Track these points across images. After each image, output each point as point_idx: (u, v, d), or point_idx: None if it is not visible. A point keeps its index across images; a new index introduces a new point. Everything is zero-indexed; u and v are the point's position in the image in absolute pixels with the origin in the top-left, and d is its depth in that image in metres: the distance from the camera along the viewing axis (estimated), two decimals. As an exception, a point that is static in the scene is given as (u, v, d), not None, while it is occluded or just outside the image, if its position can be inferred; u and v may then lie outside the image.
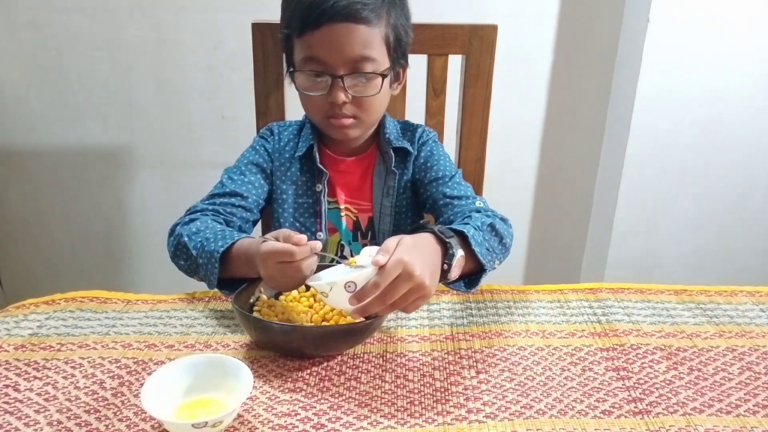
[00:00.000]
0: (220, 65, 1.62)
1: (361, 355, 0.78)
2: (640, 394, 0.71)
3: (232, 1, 1.55)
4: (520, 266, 1.92)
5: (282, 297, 0.86)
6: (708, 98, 1.59)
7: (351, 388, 0.71)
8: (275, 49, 1.12)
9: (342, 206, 1.05)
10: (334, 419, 0.66)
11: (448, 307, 0.89)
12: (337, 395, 0.70)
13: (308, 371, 0.75)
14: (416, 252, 0.71)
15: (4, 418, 0.66)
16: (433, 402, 0.69)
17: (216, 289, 0.86)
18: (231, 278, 0.85)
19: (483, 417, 0.67)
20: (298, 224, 1.03)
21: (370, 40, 0.91)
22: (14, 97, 1.65)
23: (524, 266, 1.92)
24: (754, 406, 0.70)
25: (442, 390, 0.71)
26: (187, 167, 1.69)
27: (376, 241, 1.05)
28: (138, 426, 0.65)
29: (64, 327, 0.83)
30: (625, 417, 0.67)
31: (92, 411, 0.67)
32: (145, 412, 0.65)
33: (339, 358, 0.77)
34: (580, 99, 1.72)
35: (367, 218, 1.05)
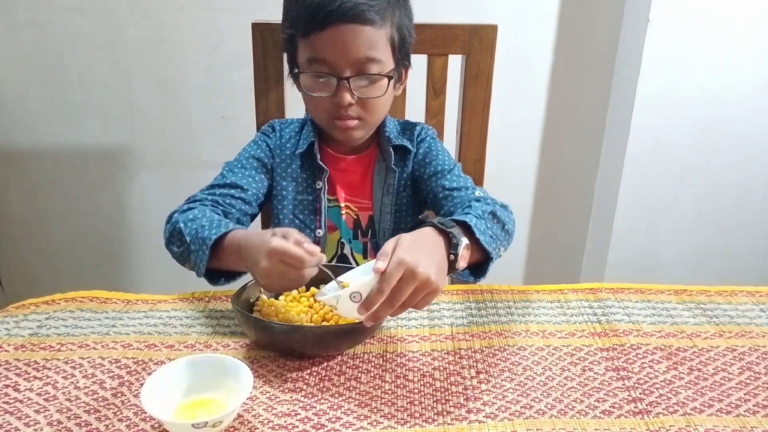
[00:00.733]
0: (220, 65, 1.62)
1: (361, 355, 0.78)
2: (640, 394, 0.71)
3: (232, 1, 1.55)
4: (520, 266, 1.92)
5: (282, 297, 0.86)
6: (708, 98, 1.59)
7: (351, 388, 0.71)
8: (275, 49, 1.12)
9: (342, 204, 1.05)
10: (334, 419, 0.66)
11: (448, 307, 0.89)
12: (337, 395, 0.70)
13: (308, 371, 0.75)
14: (416, 248, 0.69)
15: (4, 418, 0.66)
16: (433, 402, 0.69)
17: (203, 277, 0.86)
18: (218, 269, 0.85)
19: (483, 417, 0.67)
20: (297, 221, 1.03)
21: (376, 42, 0.91)
22: (14, 97, 1.65)
23: (524, 266, 1.92)
24: (754, 406, 0.70)
25: (442, 390, 0.71)
26: (187, 167, 1.69)
27: (377, 239, 1.05)
28: (138, 426, 0.65)
29: (64, 327, 0.83)
30: (625, 417, 0.67)
31: (92, 411, 0.67)
32: (145, 412, 0.65)
33: (339, 358, 0.77)
34: (580, 99, 1.72)
35: (367, 216, 1.05)
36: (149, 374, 0.69)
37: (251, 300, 0.85)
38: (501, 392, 0.71)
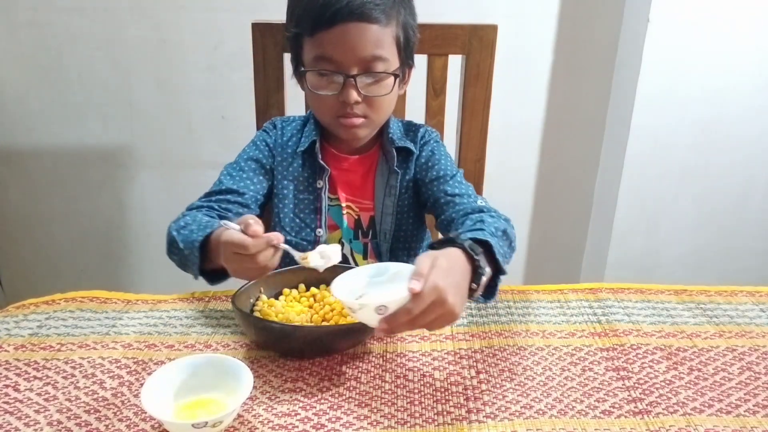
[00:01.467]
0: (220, 65, 1.62)
1: (361, 355, 0.78)
2: (640, 394, 0.71)
3: (232, 1, 1.55)
4: (520, 266, 1.92)
5: (282, 297, 0.86)
6: (708, 98, 1.59)
7: (351, 388, 0.72)
8: (275, 49, 1.12)
9: (344, 204, 1.05)
10: (334, 419, 0.66)
11: (448, 307, 0.89)
12: (337, 395, 0.70)
13: (308, 371, 0.75)
14: (450, 276, 0.68)
15: (4, 418, 0.66)
16: (433, 402, 0.69)
17: (201, 278, 0.86)
18: (215, 269, 0.84)
19: (483, 417, 0.67)
20: (298, 220, 1.03)
21: (382, 40, 0.91)
22: (14, 97, 1.65)
23: (524, 266, 1.92)
24: (754, 406, 0.70)
25: (442, 390, 0.71)
26: (187, 167, 1.69)
27: (377, 240, 1.05)
28: (138, 426, 0.65)
29: (64, 327, 0.83)
30: (625, 417, 0.67)
31: (92, 411, 0.67)
32: (145, 412, 0.65)
33: (339, 358, 0.77)
34: (580, 99, 1.72)
35: (368, 217, 1.05)
36: (149, 374, 0.69)
37: (251, 300, 0.85)
38: (501, 392, 0.71)
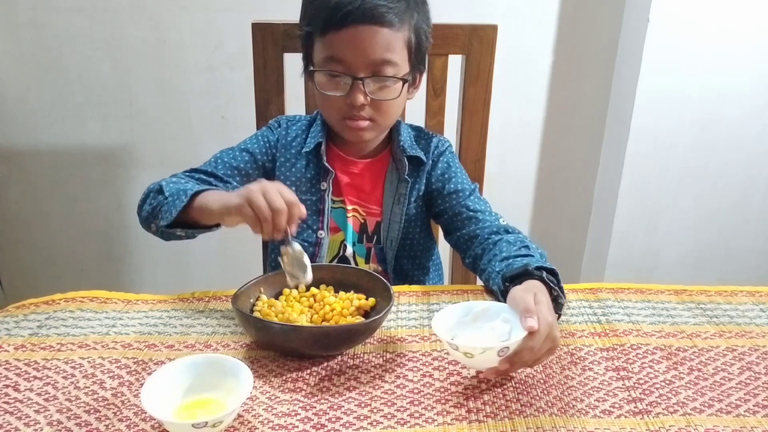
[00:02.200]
0: (220, 65, 1.62)
1: (361, 355, 0.78)
2: (640, 394, 0.71)
3: (232, 1, 1.55)
4: (520, 266, 1.92)
5: (282, 297, 0.86)
6: (708, 98, 1.59)
7: (351, 388, 0.72)
8: (275, 49, 1.12)
9: (350, 207, 1.04)
10: (334, 419, 0.66)
11: (448, 307, 0.89)
12: (337, 395, 0.70)
13: (308, 371, 0.75)
14: (551, 309, 0.73)
15: (4, 418, 0.66)
16: (433, 402, 0.69)
17: (161, 229, 0.89)
18: (182, 222, 0.87)
19: (483, 417, 0.67)
20: (299, 220, 1.03)
21: (393, 44, 0.91)
22: (14, 97, 1.65)
23: (524, 266, 1.92)
24: (754, 406, 0.70)
25: (442, 390, 0.71)
26: (187, 167, 1.69)
27: (382, 246, 1.05)
28: (138, 426, 0.65)
29: (64, 327, 0.83)
30: (625, 417, 0.67)
31: (92, 411, 0.67)
32: (145, 412, 0.65)
33: (339, 358, 0.77)
34: (580, 99, 1.72)
35: (375, 222, 1.05)
36: (149, 374, 0.69)
37: (251, 300, 0.85)
38: (501, 391, 0.71)
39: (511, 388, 0.72)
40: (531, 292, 0.74)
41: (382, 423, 0.66)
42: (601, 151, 1.75)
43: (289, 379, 0.73)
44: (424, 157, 1.03)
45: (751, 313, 0.90)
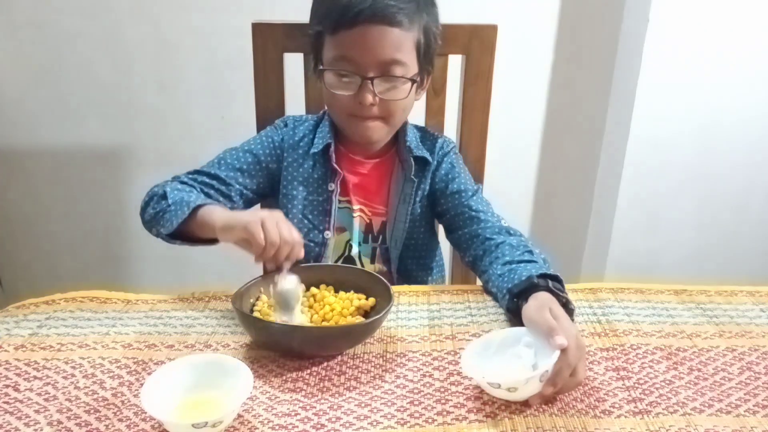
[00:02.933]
0: (220, 65, 1.62)
1: (361, 355, 0.78)
2: (640, 394, 0.71)
3: (232, 1, 1.55)
4: (520, 266, 1.92)
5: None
6: (708, 98, 1.59)
7: (351, 388, 0.72)
8: (275, 50, 1.12)
9: (356, 207, 1.05)
10: (334, 419, 0.66)
11: (448, 307, 0.89)
12: (337, 395, 0.70)
13: (308, 371, 0.75)
14: (570, 322, 0.74)
15: (4, 418, 0.66)
16: (433, 402, 0.69)
17: (165, 234, 0.90)
18: (183, 232, 0.88)
19: (483, 417, 0.67)
20: (306, 221, 1.03)
21: (403, 44, 0.91)
22: (14, 97, 1.65)
23: (524, 266, 1.92)
24: (754, 406, 0.70)
25: (442, 390, 0.71)
26: (187, 167, 1.68)
27: (387, 246, 1.05)
28: (138, 426, 0.65)
29: (64, 327, 0.83)
30: (625, 417, 0.67)
31: (92, 411, 0.67)
32: (145, 412, 0.65)
33: (339, 358, 0.77)
34: (580, 99, 1.72)
35: (380, 222, 1.05)
36: (149, 374, 0.69)
37: (251, 300, 0.85)
38: (501, 392, 0.71)
39: (511, 388, 0.71)
40: (545, 308, 0.74)
41: (382, 423, 0.66)
42: (601, 151, 1.75)
43: (289, 379, 0.73)
44: (430, 158, 1.03)
45: (751, 313, 0.90)
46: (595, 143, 1.76)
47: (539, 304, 0.76)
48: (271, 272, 0.84)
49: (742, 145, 1.65)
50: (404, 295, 0.92)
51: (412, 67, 0.94)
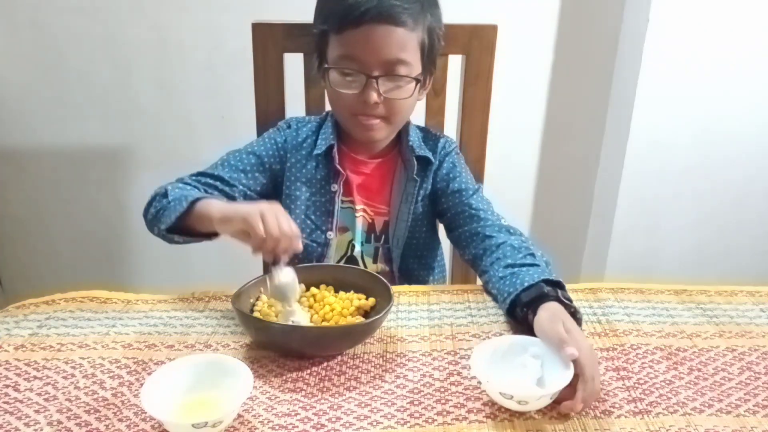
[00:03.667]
0: (220, 65, 1.62)
1: (361, 355, 0.78)
2: (640, 394, 0.71)
3: (232, 1, 1.55)
4: (520, 266, 1.92)
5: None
6: (708, 98, 1.59)
7: (351, 388, 0.72)
8: (275, 50, 1.12)
9: (358, 207, 1.05)
10: (334, 419, 0.66)
11: (448, 307, 0.89)
12: (337, 395, 0.70)
13: (308, 371, 0.75)
14: (582, 335, 0.74)
15: (4, 418, 0.66)
16: (433, 402, 0.69)
17: (162, 233, 0.90)
18: (182, 227, 0.88)
19: (483, 417, 0.67)
20: (309, 222, 1.03)
21: (407, 44, 0.92)
22: (14, 97, 1.64)
23: (524, 266, 1.92)
24: (754, 406, 0.70)
25: (442, 390, 0.71)
26: (187, 167, 1.68)
27: (389, 245, 1.05)
28: (138, 426, 0.65)
29: (64, 327, 0.83)
30: (625, 417, 0.67)
31: (92, 411, 0.67)
32: (145, 412, 0.65)
33: (339, 358, 0.77)
34: (580, 99, 1.72)
35: (382, 222, 1.05)
36: (149, 374, 0.69)
37: (251, 300, 0.85)
38: (501, 392, 0.71)
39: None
40: (558, 320, 0.74)
41: (382, 423, 0.66)
42: (601, 151, 1.75)
43: (289, 379, 0.73)
44: (432, 157, 1.03)
45: (751, 313, 0.90)
46: (595, 143, 1.76)
47: (551, 315, 0.76)
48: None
49: (742, 144, 1.65)
50: (404, 295, 0.92)
51: (416, 67, 0.95)
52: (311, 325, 0.81)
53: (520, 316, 0.81)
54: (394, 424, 0.66)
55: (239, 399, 0.63)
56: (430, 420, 0.67)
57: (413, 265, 1.08)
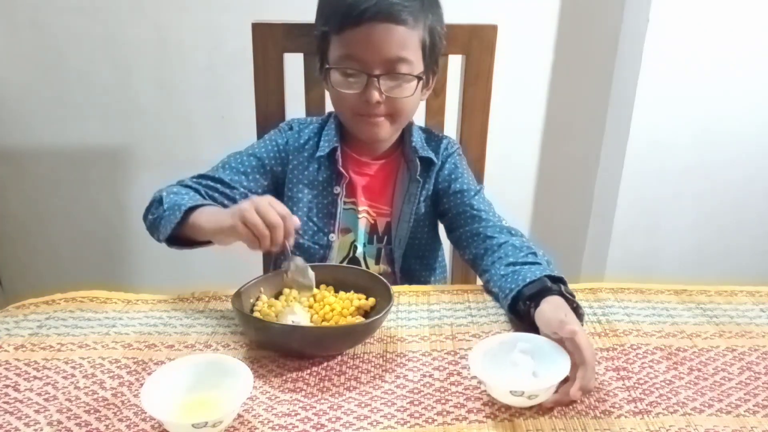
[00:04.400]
0: (220, 65, 1.62)
1: (361, 355, 0.78)
2: (640, 394, 0.71)
3: (232, 1, 1.55)
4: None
5: (282, 297, 0.86)
6: (708, 98, 1.59)
7: (351, 388, 0.72)
8: (275, 50, 1.12)
9: (361, 208, 1.05)
10: (334, 419, 0.66)
11: (448, 307, 0.89)
12: (337, 395, 0.70)
13: (308, 371, 0.75)
14: (581, 327, 0.74)
15: (4, 418, 0.66)
16: (433, 402, 0.69)
17: (162, 240, 0.90)
18: (180, 237, 0.88)
19: (483, 417, 0.67)
20: (311, 223, 1.03)
21: (408, 42, 0.92)
22: (14, 97, 1.65)
23: (524, 266, 1.92)
24: (754, 406, 0.70)
25: (442, 390, 0.71)
26: (187, 167, 1.68)
27: (392, 246, 1.05)
28: (138, 426, 0.65)
29: (64, 327, 0.83)
30: (625, 417, 0.67)
31: (92, 411, 0.67)
32: (145, 412, 0.65)
33: (339, 358, 0.77)
34: (580, 99, 1.72)
35: (385, 222, 1.05)
36: (149, 374, 0.69)
37: (251, 300, 0.85)
38: (501, 392, 0.71)
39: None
40: (561, 311, 0.75)
41: (382, 423, 0.66)
42: (601, 151, 1.75)
43: (289, 379, 0.73)
44: (435, 159, 1.03)
45: (751, 313, 0.90)
46: (595, 143, 1.76)
47: (554, 307, 0.77)
48: (273, 272, 0.84)
49: (742, 144, 1.65)
50: (404, 295, 0.92)
51: (418, 65, 0.95)
52: (311, 325, 0.81)
53: (523, 310, 0.81)
54: (394, 424, 0.66)
55: (239, 399, 0.63)
56: (430, 420, 0.67)
57: (415, 265, 1.08)
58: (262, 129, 1.14)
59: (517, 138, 1.75)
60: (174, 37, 1.60)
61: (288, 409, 0.68)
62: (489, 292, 0.92)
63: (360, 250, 1.06)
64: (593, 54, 1.67)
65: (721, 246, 1.76)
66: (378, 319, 0.77)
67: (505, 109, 1.52)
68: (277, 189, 1.04)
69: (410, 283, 1.05)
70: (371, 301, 0.85)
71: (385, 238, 1.06)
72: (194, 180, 0.98)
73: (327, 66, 0.96)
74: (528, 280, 0.82)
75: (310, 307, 0.84)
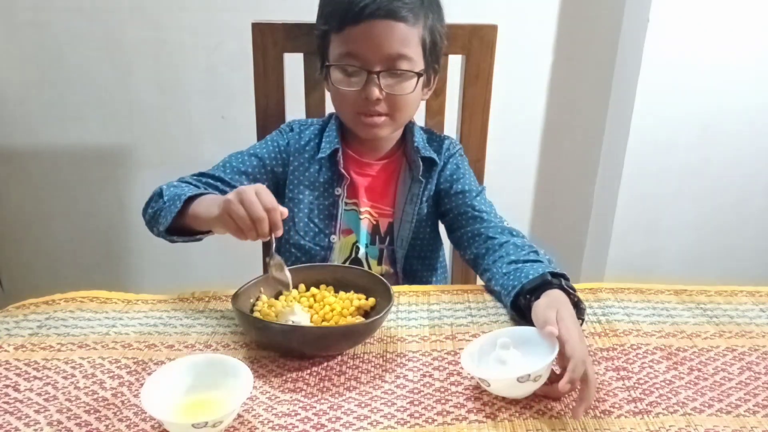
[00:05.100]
0: (220, 65, 1.62)
1: (361, 355, 0.78)
2: (640, 394, 0.71)
3: (232, 1, 1.55)
4: (520, 266, 1.92)
5: (282, 297, 0.86)
6: (708, 98, 1.59)
7: (351, 388, 0.72)
8: (275, 49, 1.12)
9: (363, 209, 1.05)
10: (334, 419, 0.66)
11: (448, 307, 0.89)
12: (337, 395, 0.70)
13: (308, 371, 0.75)
14: (576, 324, 0.73)
15: (4, 418, 0.66)
16: (433, 402, 0.69)
17: (162, 230, 0.89)
18: (181, 227, 0.88)
19: (483, 417, 0.67)
20: (312, 225, 1.03)
21: (408, 39, 0.92)
22: (14, 97, 1.64)
23: (524, 266, 1.92)
24: (754, 406, 0.70)
25: (442, 390, 0.71)
26: (188, 167, 1.68)
27: (394, 247, 1.05)
28: (138, 426, 0.65)
29: (64, 327, 0.83)
30: (625, 417, 0.67)
31: (92, 411, 0.67)
32: (145, 412, 0.65)
33: (339, 358, 0.77)
34: (580, 99, 1.72)
35: (387, 223, 1.05)
36: (149, 374, 0.69)
37: (251, 300, 0.85)
38: (501, 392, 0.71)
39: (511, 388, 0.71)
40: (553, 308, 0.74)
41: (382, 423, 0.66)
42: (601, 151, 1.75)
43: (289, 379, 0.73)
44: (437, 159, 1.03)
45: (751, 313, 0.90)
46: (595, 143, 1.76)
47: (549, 301, 0.77)
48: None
49: (742, 144, 1.65)
50: (404, 295, 0.92)
51: (418, 63, 0.95)
52: (311, 325, 0.81)
53: (524, 304, 0.81)
54: (394, 424, 0.66)
55: (239, 399, 0.63)
56: (430, 420, 0.67)
57: (417, 266, 1.08)
58: (262, 129, 1.15)
59: (517, 138, 1.75)
60: (174, 37, 1.60)
61: (288, 409, 0.68)
62: (490, 290, 0.92)
63: (362, 251, 1.06)
64: (593, 54, 1.67)
65: (721, 246, 1.76)
66: (378, 319, 0.77)
67: (505, 109, 1.52)
68: (278, 190, 1.04)
69: (412, 283, 1.05)
70: (371, 301, 0.85)
71: (388, 238, 1.06)
72: (194, 178, 0.99)
73: (327, 63, 0.96)
74: (530, 276, 0.82)
75: (310, 307, 0.84)
